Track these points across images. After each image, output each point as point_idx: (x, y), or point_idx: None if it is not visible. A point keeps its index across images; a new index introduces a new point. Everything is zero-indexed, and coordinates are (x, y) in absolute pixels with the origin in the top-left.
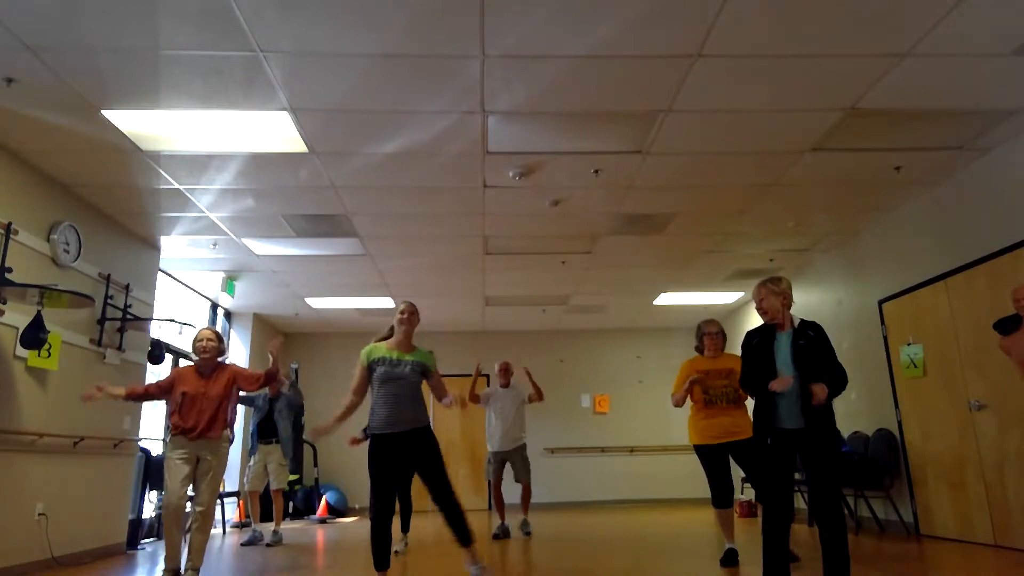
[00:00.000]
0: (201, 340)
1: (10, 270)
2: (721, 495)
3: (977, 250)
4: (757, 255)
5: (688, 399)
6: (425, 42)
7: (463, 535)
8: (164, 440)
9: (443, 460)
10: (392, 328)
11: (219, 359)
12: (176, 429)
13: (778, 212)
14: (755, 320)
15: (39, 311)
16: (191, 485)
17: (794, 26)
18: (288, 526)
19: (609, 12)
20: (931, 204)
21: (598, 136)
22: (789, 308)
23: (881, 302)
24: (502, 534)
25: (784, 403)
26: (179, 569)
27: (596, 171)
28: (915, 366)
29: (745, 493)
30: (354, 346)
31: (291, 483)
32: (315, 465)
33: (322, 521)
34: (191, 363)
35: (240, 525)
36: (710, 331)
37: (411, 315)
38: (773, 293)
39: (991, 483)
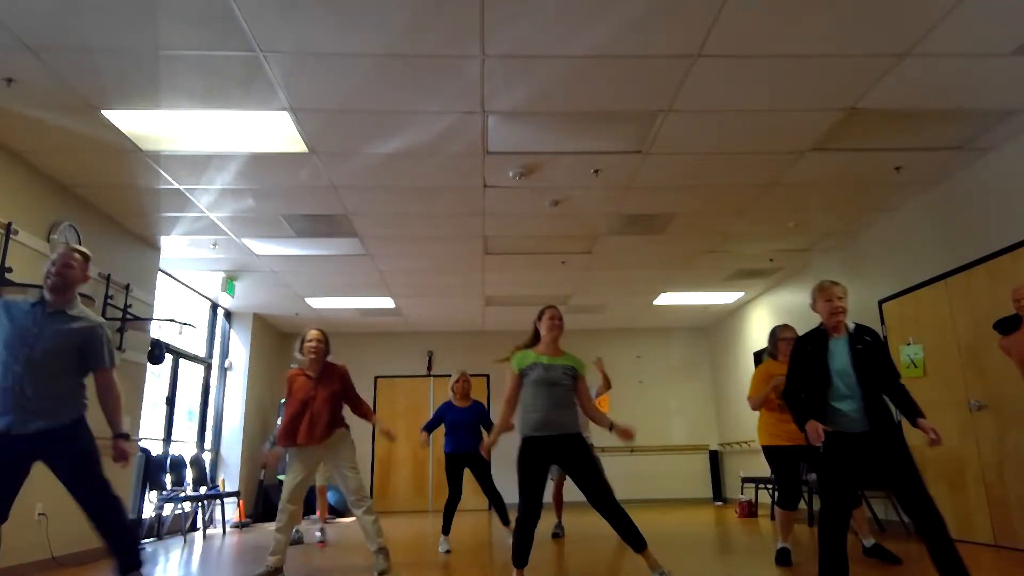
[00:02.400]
0: (310, 341)
1: (10, 270)
2: (789, 497)
3: (977, 250)
4: (757, 255)
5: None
6: (425, 42)
7: (635, 540)
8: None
9: (600, 466)
10: (536, 334)
11: (327, 358)
12: (290, 439)
13: (778, 212)
14: (756, 319)
15: None
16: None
17: (794, 26)
18: None
19: (609, 12)
20: (931, 204)
21: (598, 136)
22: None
23: (881, 302)
24: (562, 533)
25: (845, 409)
26: (280, 567)
27: (596, 171)
28: (915, 366)
29: (745, 493)
30: (354, 346)
31: None
32: None
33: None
34: (298, 367)
35: (240, 525)
36: (785, 336)
37: (560, 320)
38: (845, 295)
39: (991, 483)
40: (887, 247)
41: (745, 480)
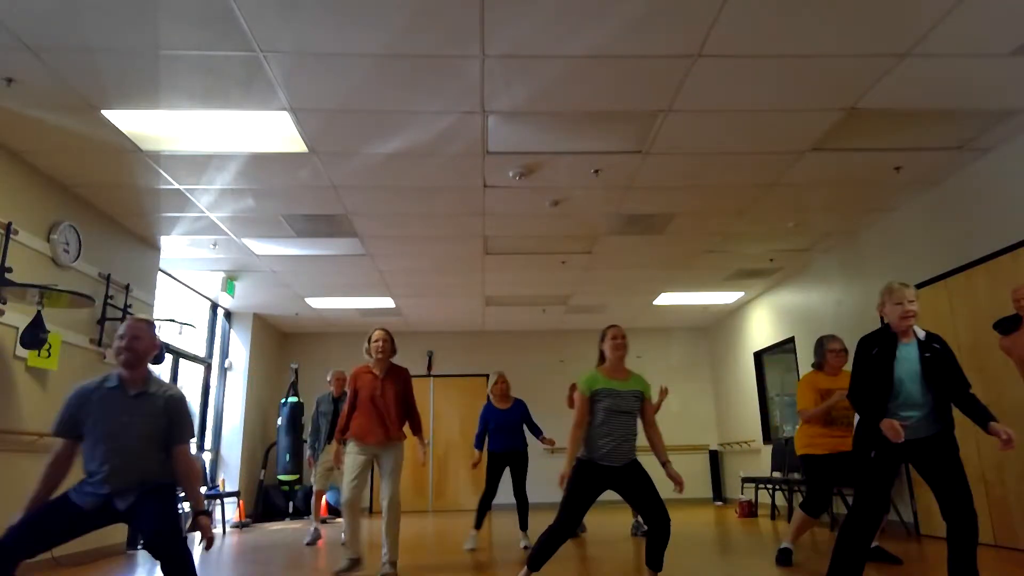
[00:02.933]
0: (377, 341)
1: (10, 270)
2: (817, 504)
3: (977, 250)
4: (757, 255)
5: (799, 405)
6: (425, 42)
7: (658, 560)
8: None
9: (653, 483)
10: (601, 354)
11: (392, 359)
12: (352, 432)
13: (778, 212)
14: (756, 319)
15: (39, 311)
16: (375, 480)
17: (794, 26)
18: (289, 526)
19: (609, 12)
20: (931, 204)
21: (598, 136)
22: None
23: None
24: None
25: (908, 416)
26: (359, 558)
27: (596, 171)
28: None
29: (745, 493)
30: (354, 346)
31: (291, 483)
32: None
33: (322, 521)
34: (365, 364)
35: (240, 525)
36: (833, 348)
37: (624, 339)
38: (916, 298)
39: (991, 483)
40: (887, 247)
41: (745, 480)
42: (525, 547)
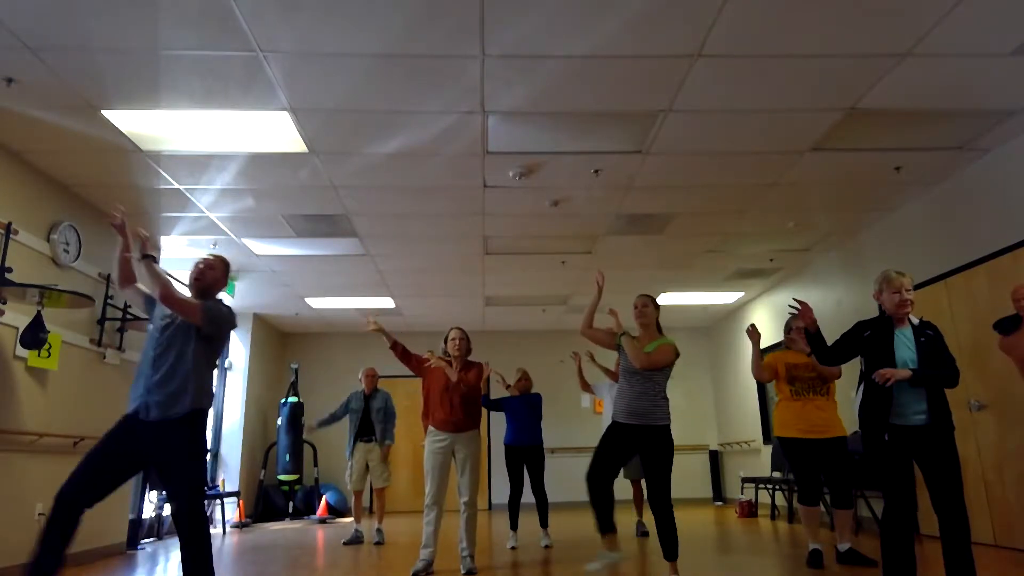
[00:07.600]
0: (454, 339)
1: (10, 270)
2: (809, 492)
3: (977, 250)
4: (757, 255)
5: (776, 391)
6: (425, 42)
7: (670, 548)
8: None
9: (671, 465)
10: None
11: (468, 357)
12: (431, 421)
13: (778, 212)
14: (756, 320)
15: (39, 311)
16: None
17: (794, 26)
18: (288, 526)
19: (609, 12)
20: (931, 204)
21: (598, 136)
22: None
23: None
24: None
25: (907, 399)
26: (431, 560)
27: (596, 171)
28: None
29: (745, 493)
30: (354, 346)
31: (291, 483)
32: (315, 465)
33: (322, 521)
34: (444, 358)
35: (240, 525)
36: (799, 326)
37: (643, 307)
38: (912, 287)
39: (991, 483)
40: (887, 247)
41: (745, 480)
42: (546, 546)
